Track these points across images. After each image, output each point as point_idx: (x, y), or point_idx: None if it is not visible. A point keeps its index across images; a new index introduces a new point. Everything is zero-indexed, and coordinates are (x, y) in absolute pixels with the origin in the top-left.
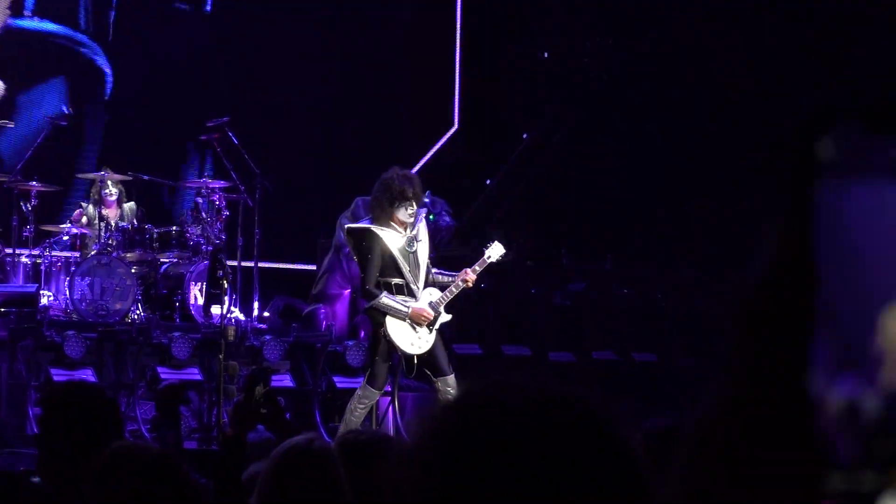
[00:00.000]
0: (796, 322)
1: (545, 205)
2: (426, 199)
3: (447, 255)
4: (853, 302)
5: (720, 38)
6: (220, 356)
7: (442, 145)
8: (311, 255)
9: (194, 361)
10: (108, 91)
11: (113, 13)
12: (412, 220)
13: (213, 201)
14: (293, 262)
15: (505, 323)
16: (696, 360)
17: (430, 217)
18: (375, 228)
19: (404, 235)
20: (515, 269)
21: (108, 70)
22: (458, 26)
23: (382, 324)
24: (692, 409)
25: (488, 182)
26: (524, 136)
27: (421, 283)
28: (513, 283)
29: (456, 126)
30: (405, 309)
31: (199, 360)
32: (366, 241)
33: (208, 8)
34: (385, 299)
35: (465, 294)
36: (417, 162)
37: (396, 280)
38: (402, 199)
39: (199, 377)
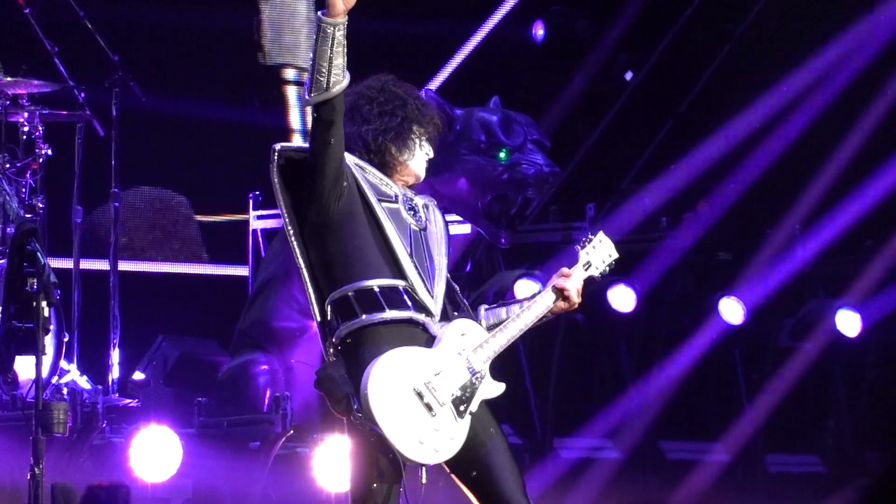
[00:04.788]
0: None
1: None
2: (493, 117)
3: (518, 241)
4: None
5: None
6: (35, 469)
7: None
8: (236, 250)
9: None
10: None
11: None
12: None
13: (21, 127)
14: (196, 262)
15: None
16: None
17: (501, 156)
18: (353, 159)
19: (402, 198)
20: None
21: None
22: None
23: (358, 402)
24: None
25: (628, 76)
26: None
27: (440, 289)
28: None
29: None
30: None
31: None
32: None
33: None
34: (365, 321)
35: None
36: (453, 52)
37: (384, 281)
38: (428, 128)
39: None
